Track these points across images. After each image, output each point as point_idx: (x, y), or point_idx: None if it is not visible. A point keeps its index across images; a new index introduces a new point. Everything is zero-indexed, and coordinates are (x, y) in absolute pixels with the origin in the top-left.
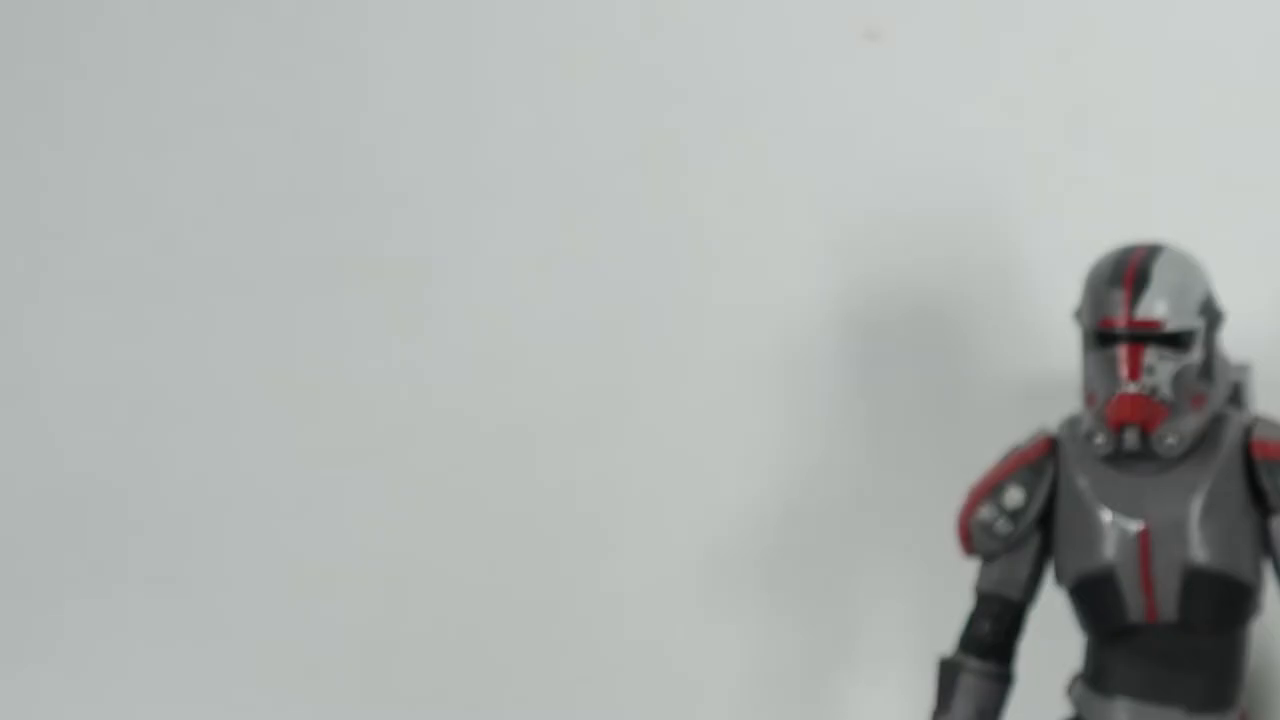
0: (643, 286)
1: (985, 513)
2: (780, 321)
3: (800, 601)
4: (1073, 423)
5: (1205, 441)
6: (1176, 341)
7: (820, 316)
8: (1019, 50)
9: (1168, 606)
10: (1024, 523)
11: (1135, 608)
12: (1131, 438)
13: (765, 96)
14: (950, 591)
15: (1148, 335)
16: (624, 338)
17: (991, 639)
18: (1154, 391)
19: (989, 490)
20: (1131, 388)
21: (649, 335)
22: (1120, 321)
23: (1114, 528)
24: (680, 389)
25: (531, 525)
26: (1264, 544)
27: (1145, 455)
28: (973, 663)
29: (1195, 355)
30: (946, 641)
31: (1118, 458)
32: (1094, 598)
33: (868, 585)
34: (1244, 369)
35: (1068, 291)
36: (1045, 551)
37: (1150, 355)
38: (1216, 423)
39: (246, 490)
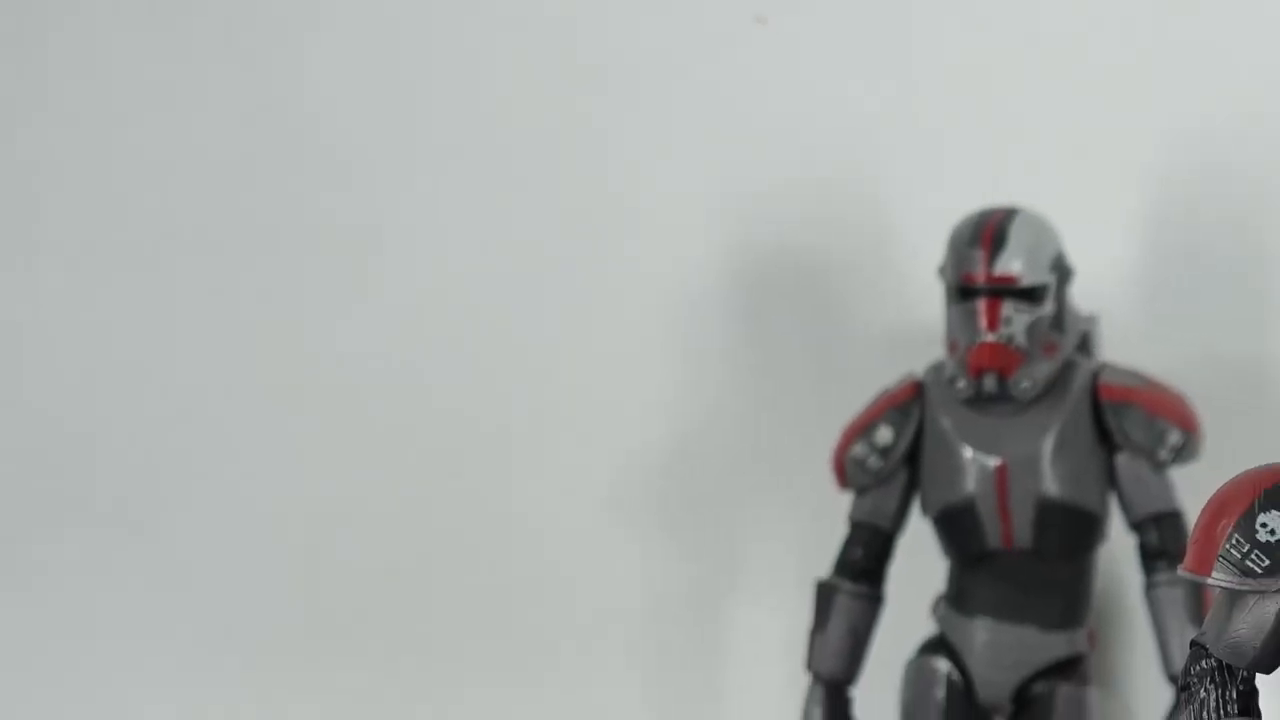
0: (554, 246)
1: (858, 450)
2: (677, 279)
3: (693, 533)
4: (937, 369)
5: (1056, 386)
6: (1030, 295)
7: (713, 275)
8: (897, 32)
9: (1023, 534)
10: (893, 459)
11: (993, 536)
12: (990, 382)
13: (668, 75)
14: (826, 522)
15: (1004, 290)
16: (537, 293)
17: (863, 564)
18: (1010, 341)
19: (861, 430)
20: (990, 337)
21: (559, 291)
22: (980, 278)
23: (974, 463)
24: (587, 339)
25: (452, 464)
26: (1109, 478)
27: (1002, 398)
28: (847, 585)
29: (1047, 308)
30: (824, 567)
31: (977, 401)
32: (956, 527)
33: (753, 518)
34: (1092, 320)
35: (933, 252)
36: (912, 485)
37: (1007, 308)
38: (1067, 369)
39: (201, 437)
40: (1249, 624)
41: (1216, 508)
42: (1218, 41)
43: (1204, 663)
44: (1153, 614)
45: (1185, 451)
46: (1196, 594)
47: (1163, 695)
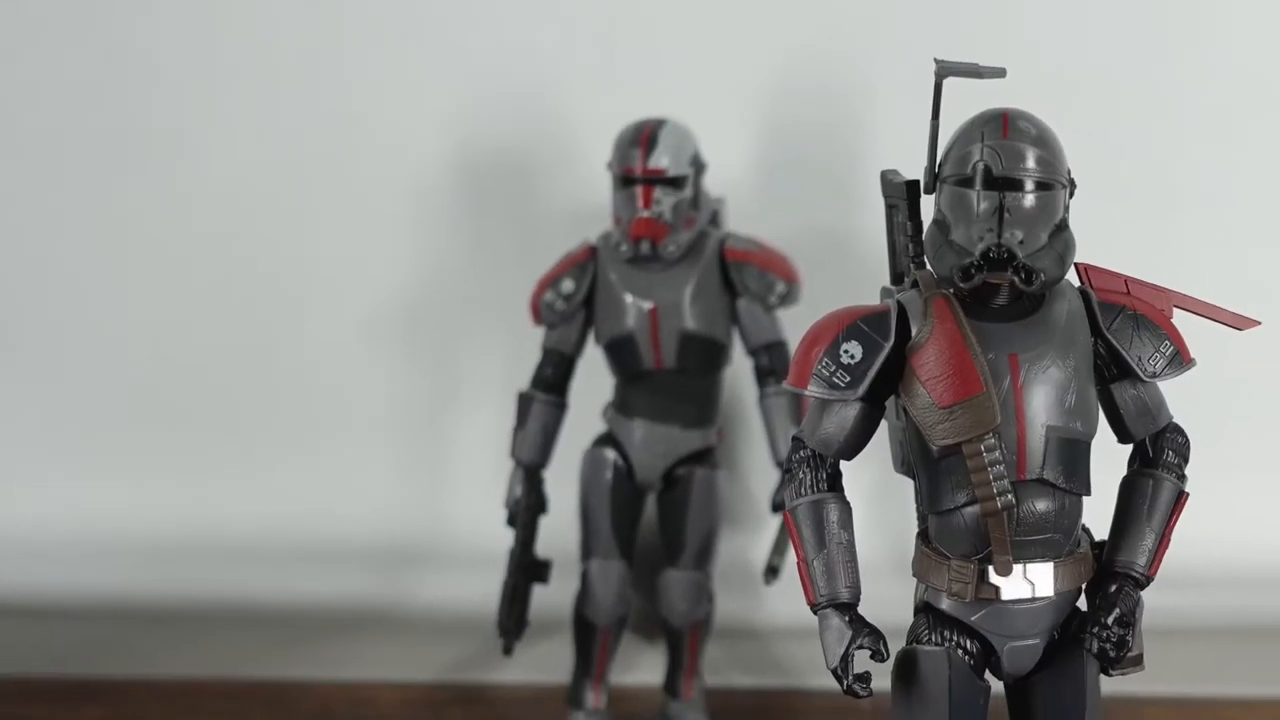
0: (327, 137)
1: (548, 296)
2: (417, 165)
3: (427, 356)
4: (606, 237)
5: (694, 250)
6: (675, 184)
7: (445, 163)
8: None
9: (669, 358)
10: (574, 303)
11: (648, 359)
12: (645, 247)
13: (408, 17)
14: (526, 350)
15: (655, 179)
16: (313, 180)
17: (553, 380)
18: (660, 216)
19: (550, 281)
20: (645, 214)
21: (331, 171)
22: (637, 170)
23: (633, 306)
24: (350, 213)
25: (250, 304)
26: (733, 317)
27: (654, 259)
28: (540, 395)
29: (688, 192)
30: (524, 382)
31: (636, 260)
32: (620, 353)
33: (471, 346)
34: (720, 201)
35: (603, 152)
36: (588, 322)
37: (657, 192)
38: (701, 237)
39: (47, 268)
40: (835, 424)
41: (811, 338)
42: None
43: (801, 452)
44: (765, 417)
45: (789, 297)
46: (796, 402)
47: (771, 476)
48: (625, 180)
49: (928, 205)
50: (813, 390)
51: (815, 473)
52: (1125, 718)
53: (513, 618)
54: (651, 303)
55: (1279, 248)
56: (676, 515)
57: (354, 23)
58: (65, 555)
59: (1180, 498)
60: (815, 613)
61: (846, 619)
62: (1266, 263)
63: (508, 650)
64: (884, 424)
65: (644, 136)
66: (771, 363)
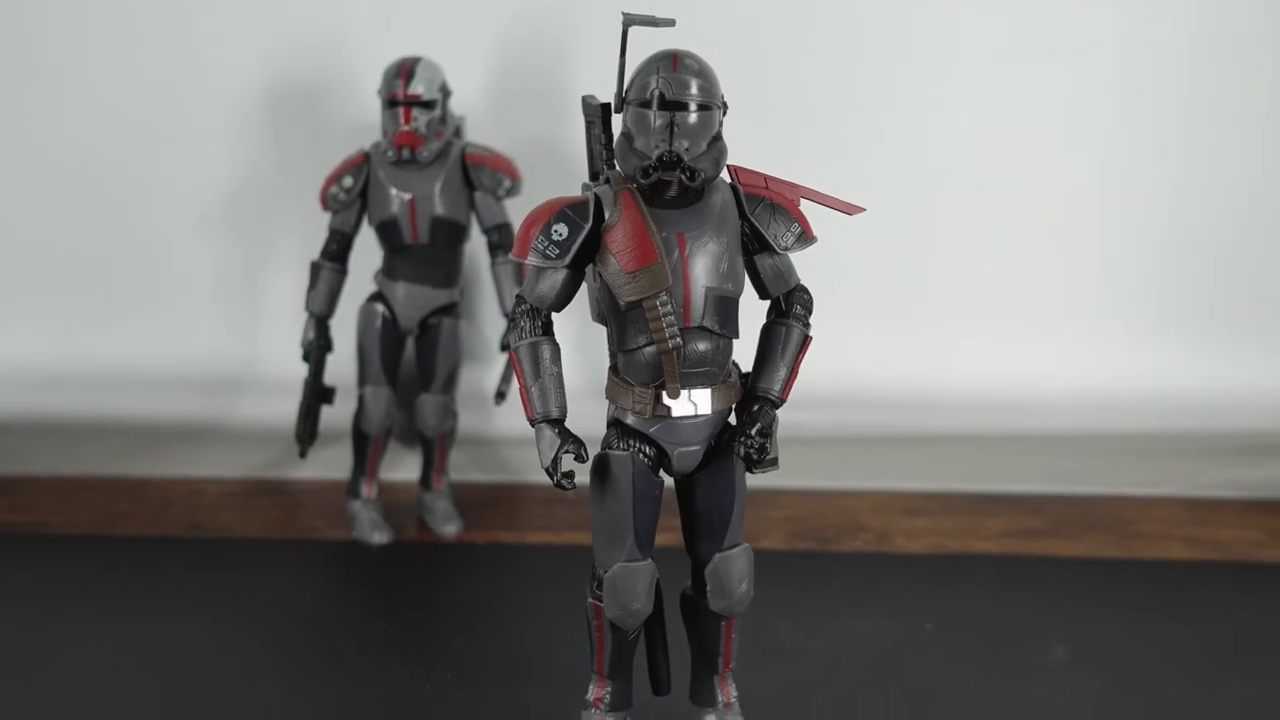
0: (171, 73)
1: (333, 190)
2: (239, 94)
3: (244, 233)
4: (377, 146)
5: (441, 155)
6: (428, 106)
7: (259, 92)
8: None
9: (424, 236)
10: (352, 194)
11: (407, 236)
12: (406, 153)
13: None
14: (320, 230)
15: (413, 102)
16: (163, 99)
17: (336, 252)
18: (417, 130)
19: (335, 179)
20: (406, 128)
21: (174, 99)
22: (400, 95)
23: (397, 197)
24: (190, 124)
25: (109, 194)
26: (471, 204)
27: (412, 162)
28: (327, 264)
29: (437, 112)
30: (315, 253)
31: (399, 163)
32: (387, 231)
33: (280, 225)
34: (462, 119)
35: (375, 82)
36: (364, 209)
37: (415, 112)
38: (448, 146)
39: None
40: (547, 285)
41: (530, 220)
42: None
43: (522, 306)
44: (495, 280)
45: (513, 190)
46: (519, 269)
47: (499, 324)
48: (390, 103)
49: (617, 123)
50: (531, 260)
51: (533, 321)
52: (765, 504)
53: (307, 430)
54: (410, 194)
55: (882, 155)
56: (429, 353)
57: None
58: None
59: (805, 340)
60: (533, 426)
61: (556, 430)
62: (874, 166)
63: (303, 455)
64: (584, 285)
65: (404, 70)
66: (500, 239)
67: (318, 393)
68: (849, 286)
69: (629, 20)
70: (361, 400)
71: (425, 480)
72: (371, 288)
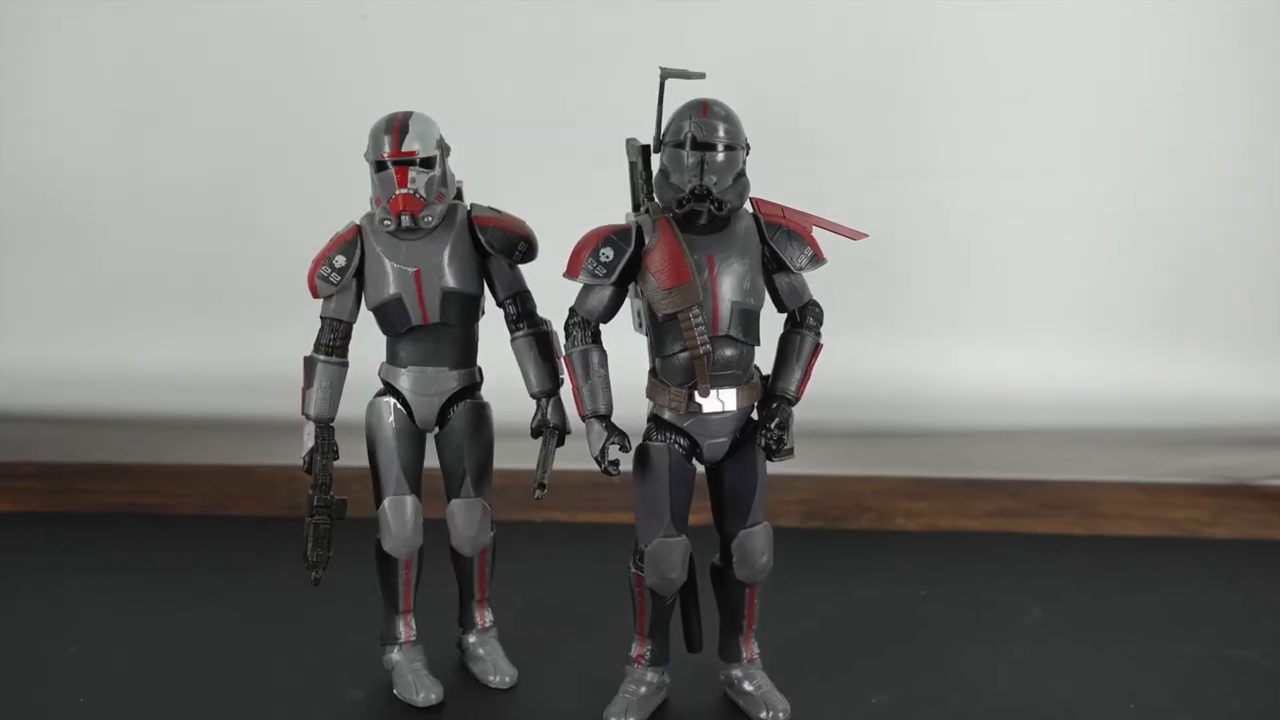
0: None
1: (324, 270)
2: (212, 171)
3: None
4: (370, 216)
5: (446, 219)
6: (426, 164)
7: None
8: None
9: (434, 313)
10: (346, 275)
11: (415, 315)
12: (406, 220)
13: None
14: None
15: (408, 161)
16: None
17: (334, 343)
18: (416, 193)
19: (324, 259)
20: (403, 191)
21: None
22: (391, 154)
23: (398, 272)
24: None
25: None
26: (484, 273)
27: (414, 230)
28: (323, 358)
29: (436, 172)
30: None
31: (398, 232)
32: (389, 313)
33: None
34: (460, 182)
35: (361, 143)
36: (360, 289)
37: (412, 172)
38: (451, 209)
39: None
40: (596, 300)
41: (581, 245)
42: None
43: (575, 318)
44: (516, 356)
45: (530, 254)
46: (544, 341)
47: (528, 405)
48: (380, 165)
49: (656, 161)
50: (582, 279)
51: (584, 331)
52: (782, 488)
53: (317, 553)
54: (414, 267)
55: (881, 190)
56: (453, 446)
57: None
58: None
59: (817, 347)
60: (583, 420)
61: (604, 424)
62: (874, 199)
63: (316, 583)
64: (628, 300)
65: (395, 126)
66: (519, 310)
67: (327, 508)
68: (855, 301)
69: (666, 74)
70: (382, 517)
71: (465, 618)
72: (373, 383)
